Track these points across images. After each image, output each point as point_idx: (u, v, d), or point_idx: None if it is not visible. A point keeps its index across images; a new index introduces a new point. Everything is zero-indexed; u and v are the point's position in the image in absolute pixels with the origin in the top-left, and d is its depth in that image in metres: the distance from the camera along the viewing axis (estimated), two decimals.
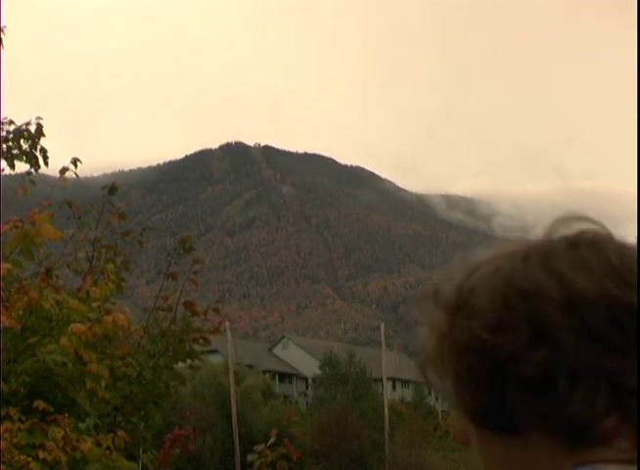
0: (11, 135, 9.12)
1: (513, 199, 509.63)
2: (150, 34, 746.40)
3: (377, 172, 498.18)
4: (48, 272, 7.76)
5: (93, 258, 8.35)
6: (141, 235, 8.49)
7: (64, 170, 8.78)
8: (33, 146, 9.16)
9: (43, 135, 9.20)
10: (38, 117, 9.21)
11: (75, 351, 7.32)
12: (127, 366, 8.00)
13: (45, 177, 9.63)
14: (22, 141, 9.13)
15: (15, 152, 9.10)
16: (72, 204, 8.39)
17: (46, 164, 9.17)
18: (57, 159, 9.39)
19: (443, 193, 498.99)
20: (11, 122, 9.18)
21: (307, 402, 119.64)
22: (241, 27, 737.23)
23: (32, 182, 8.77)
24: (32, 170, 9.07)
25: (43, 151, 9.18)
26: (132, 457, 7.78)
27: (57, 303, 7.48)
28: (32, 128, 9.16)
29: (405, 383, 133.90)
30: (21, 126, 9.15)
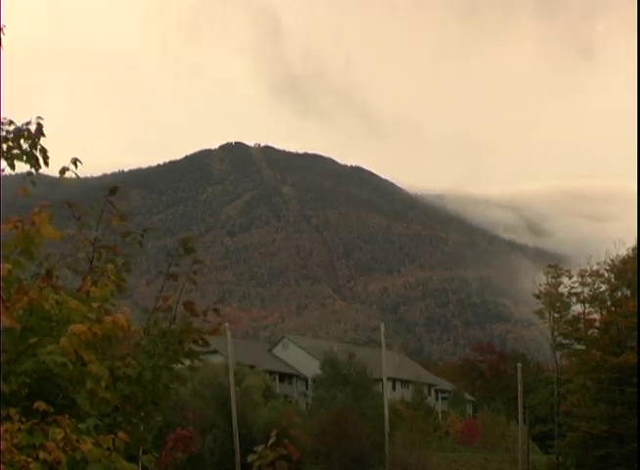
0: (11, 135, 9.09)
1: (512, 199, 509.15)
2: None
3: (377, 172, 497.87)
4: (48, 273, 7.74)
5: (93, 258, 8.33)
6: (142, 236, 8.46)
7: (63, 171, 8.74)
8: (33, 146, 9.13)
9: (43, 135, 9.17)
10: (38, 117, 9.18)
11: (75, 351, 7.31)
12: (127, 366, 7.98)
13: (44, 177, 9.61)
14: (21, 141, 9.10)
15: (15, 152, 9.07)
16: (73, 204, 8.35)
17: (46, 164, 9.15)
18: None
19: (443, 193, 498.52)
20: (10, 123, 9.14)
21: (307, 403, 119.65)
22: None
23: (33, 183, 8.74)
24: (33, 171, 9.05)
25: (43, 151, 9.15)
26: (132, 458, 7.77)
27: (57, 303, 7.47)
28: (32, 128, 9.13)
29: (405, 383, 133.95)
30: (21, 126, 9.12)
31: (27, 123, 9.11)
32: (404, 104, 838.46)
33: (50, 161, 9.18)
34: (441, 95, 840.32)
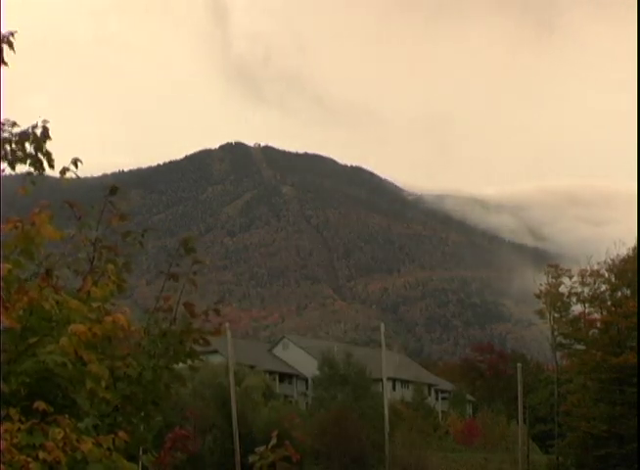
0: (15, 138, 9.07)
1: (510, 198, 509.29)
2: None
3: (377, 172, 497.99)
4: (48, 273, 7.74)
5: (94, 258, 8.32)
6: (142, 236, 8.45)
7: (64, 171, 8.72)
8: (38, 149, 9.12)
9: (49, 138, 9.16)
10: (44, 121, 9.16)
11: (75, 351, 7.31)
12: (128, 367, 7.98)
13: (44, 177, 9.61)
14: (26, 144, 9.09)
15: (19, 155, 9.07)
16: (73, 204, 8.35)
17: (51, 167, 9.14)
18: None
19: (444, 193, 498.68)
20: (14, 124, 9.12)
21: (307, 403, 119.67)
22: None
23: (33, 183, 8.74)
24: (33, 172, 9.03)
25: (48, 154, 9.14)
26: (132, 458, 7.77)
27: (57, 303, 7.47)
28: (38, 131, 9.11)
29: (405, 383, 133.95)
30: (27, 129, 9.10)
31: (34, 127, 9.10)
32: (364, 91, 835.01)
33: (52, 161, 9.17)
34: (416, 84, 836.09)
